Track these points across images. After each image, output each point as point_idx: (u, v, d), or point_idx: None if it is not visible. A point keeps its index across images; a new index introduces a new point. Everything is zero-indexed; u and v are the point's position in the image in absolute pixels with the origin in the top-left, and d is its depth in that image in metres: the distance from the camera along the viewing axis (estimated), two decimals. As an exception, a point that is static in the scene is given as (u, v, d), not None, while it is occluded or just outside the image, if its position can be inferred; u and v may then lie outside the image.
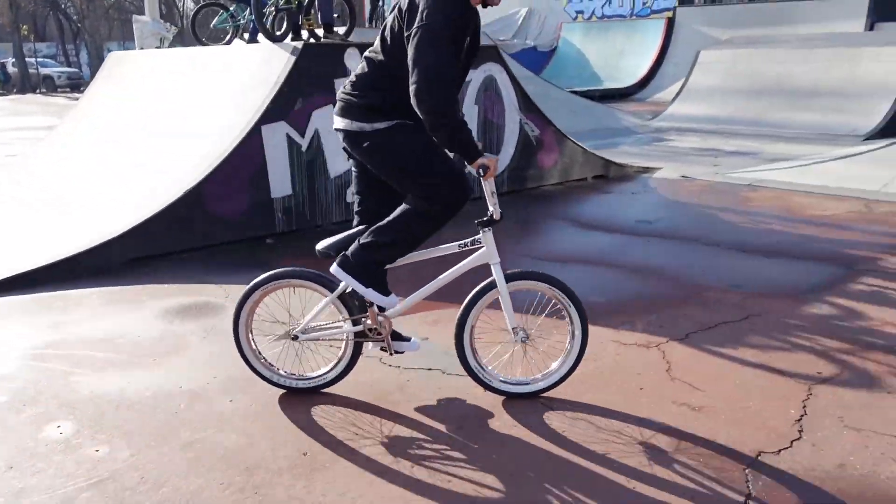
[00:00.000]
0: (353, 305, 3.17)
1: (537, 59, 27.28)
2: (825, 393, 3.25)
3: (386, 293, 3.13)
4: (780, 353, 3.71)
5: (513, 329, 3.11)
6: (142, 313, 4.42)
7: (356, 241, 3.06)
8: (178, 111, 6.79)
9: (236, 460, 2.77)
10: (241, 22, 8.65)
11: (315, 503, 2.51)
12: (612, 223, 6.67)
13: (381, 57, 2.99)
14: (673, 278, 5.00)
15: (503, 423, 3.04)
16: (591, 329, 3.25)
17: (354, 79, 3.06)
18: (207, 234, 5.77)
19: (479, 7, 2.97)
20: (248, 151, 5.92)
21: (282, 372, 3.32)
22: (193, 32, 9.02)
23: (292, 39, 7.15)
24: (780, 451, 2.78)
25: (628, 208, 7.30)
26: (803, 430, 2.93)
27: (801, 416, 3.04)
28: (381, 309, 3.15)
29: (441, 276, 3.11)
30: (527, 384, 3.22)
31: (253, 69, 6.41)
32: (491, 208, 2.96)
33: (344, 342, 3.23)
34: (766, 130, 13.42)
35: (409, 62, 2.79)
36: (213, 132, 6.15)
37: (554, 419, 3.07)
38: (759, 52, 15.54)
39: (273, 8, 7.30)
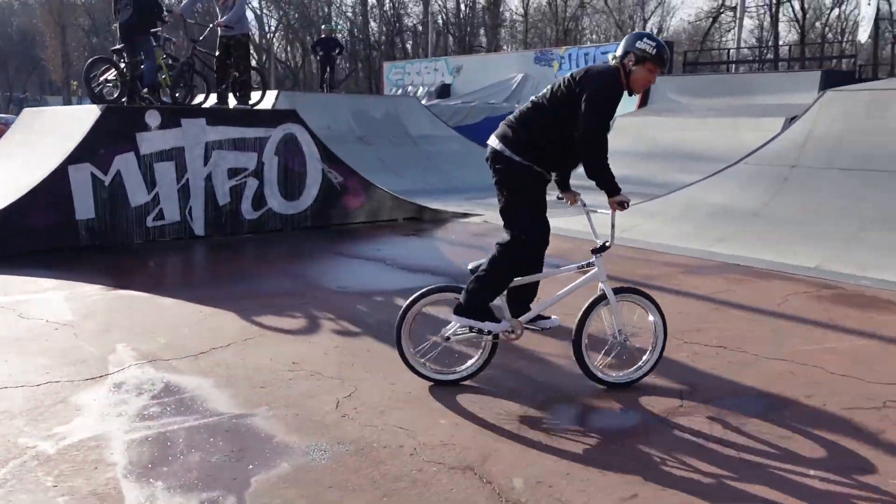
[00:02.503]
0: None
1: (526, 121, 29.05)
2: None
3: (498, 321, 3.96)
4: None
5: (618, 331, 3.99)
6: None
7: (465, 290, 3.93)
8: (24, 154, 8.81)
9: None
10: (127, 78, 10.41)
11: None
12: (363, 253, 8.27)
13: (546, 105, 3.85)
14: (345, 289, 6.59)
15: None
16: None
17: (518, 114, 3.95)
18: (21, 243, 7.57)
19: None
20: (57, 183, 7.80)
21: (429, 367, 4.13)
22: (88, 88, 10.70)
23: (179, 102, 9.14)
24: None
25: (391, 243, 8.88)
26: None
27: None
28: (505, 331, 4.01)
29: (562, 291, 4.03)
30: (625, 375, 4.10)
31: (74, 125, 8.36)
32: (608, 239, 3.89)
33: (483, 342, 4.10)
34: (648, 189, 14.72)
35: (581, 120, 3.70)
36: (37, 169, 8.10)
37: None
38: (662, 120, 16.93)
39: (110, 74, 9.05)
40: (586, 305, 3.97)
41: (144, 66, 8.93)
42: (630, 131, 17.20)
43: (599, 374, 4.07)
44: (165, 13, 8.99)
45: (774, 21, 48.21)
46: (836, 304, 6.12)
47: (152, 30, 8.89)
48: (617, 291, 3.96)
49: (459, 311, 3.95)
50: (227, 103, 9.52)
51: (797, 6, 46.42)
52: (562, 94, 3.82)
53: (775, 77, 24.86)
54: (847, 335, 5.30)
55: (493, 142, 3.96)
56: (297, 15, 52.88)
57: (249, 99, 9.50)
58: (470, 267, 4.01)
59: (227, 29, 9.00)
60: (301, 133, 9.38)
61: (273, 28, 58.50)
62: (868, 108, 9.25)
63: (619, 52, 3.84)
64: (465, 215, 10.98)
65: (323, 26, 20.35)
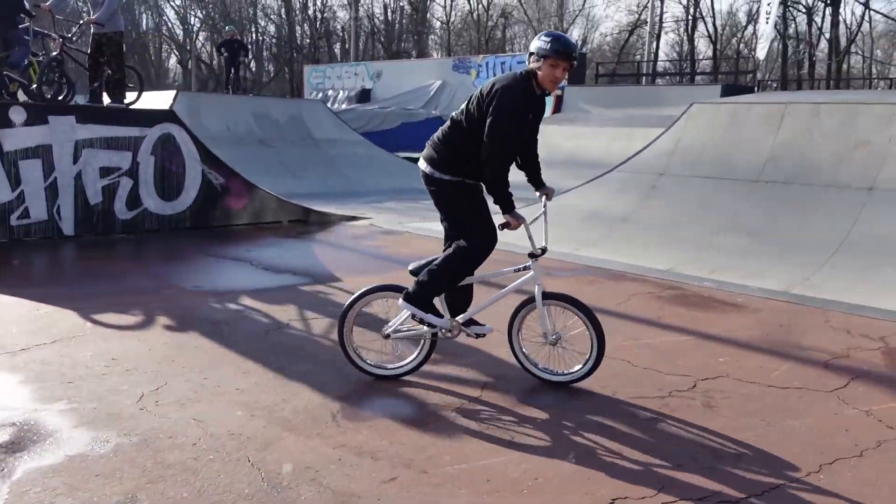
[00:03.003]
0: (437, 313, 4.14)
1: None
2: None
3: (440, 316, 4.09)
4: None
5: (543, 334, 4.13)
6: None
7: (416, 280, 4.05)
8: None
9: None
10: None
11: None
12: (232, 254, 8.28)
13: (464, 124, 3.93)
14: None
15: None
16: None
17: (441, 134, 4.03)
18: None
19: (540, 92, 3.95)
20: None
21: (374, 366, 4.30)
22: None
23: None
24: None
25: (265, 244, 8.91)
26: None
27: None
28: (444, 328, 4.14)
29: (499, 293, 4.22)
30: (556, 374, 4.25)
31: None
32: (545, 244, 4.05)
33: (423, 340, 4.23)
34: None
35: (485, 137, 3.80)
36: None
37: None
38: (563, 128, 17.39)
39: None
40: (517, 305, 4.21)
41: (16, 53, 8.75)
42: (532, 139, 17.58)
43: (533, 370, 4.28)
44: (31, 6, 8.83)
45: (690, 37, 49.95)
46: (671, 304, 6.47)
47: (21, 25, 8.71)
48: (546, 296, 4.07)
49: (408, 298, 4.06)
50: (100, 101, 9.39)
51: (710, 24, 48.13)
52: (474, 110, 3.90)
53: (682, 90, 25.73)
54: (667, 332, 5.62)
55: (422, 165, 4.08)
56: (215, 16, 52.05)
57: (124, 97, 9.40)
58: (410, 268, 4.16)
59: (99, 26, 8.88)
60: (179, 133, 9.32)
61: (196, 28, 57.53)
62: (728, 120, 9.75)
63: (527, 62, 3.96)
64: (354, 218, 11.09)
65: (226, 28, 20.11)
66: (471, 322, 4.24)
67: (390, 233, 10.00)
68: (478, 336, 4.26)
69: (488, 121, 3.80)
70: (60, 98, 9.31)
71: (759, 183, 9.00)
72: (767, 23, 24.91)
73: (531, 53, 3.90)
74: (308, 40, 53.80)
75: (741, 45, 52.33)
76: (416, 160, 16.39)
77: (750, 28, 48.13)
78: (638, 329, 5.69)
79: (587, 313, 4.08)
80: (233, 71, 17.36)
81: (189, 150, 9.43)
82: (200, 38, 57.70)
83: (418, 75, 32.42)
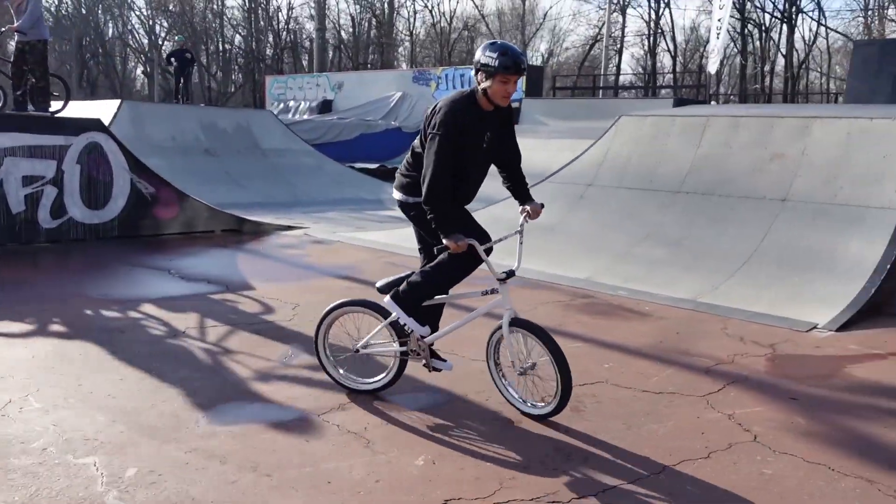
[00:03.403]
0: (402, 331, 4.03)
1: (401, 138, 29.35)
2: None
3: (423, 324, 3.98)
4: None
5: (511, 363, 3.87)
6: None
7: (406, 281, 3.96)
8: None
9: None
10: None
11: None
12: (153, 263, 8.25)
13: (420, 149, 3.83)
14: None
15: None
16: None
17: (406, 162, 3.97)
18: None
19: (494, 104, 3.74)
20: None
21: (341, 373, 4.27)
22: None
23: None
24: None
25: (189, 254, 8.90)
26: None
27: None
28: (422, 336, 4.00)
29: (468, 316, 4.04)
30: (527, 405, 4.02)
31: None
32: (515, 265, 3.82)
33: (393, 358, 4.13)
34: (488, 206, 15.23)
35: (423, 157, 3.72)
36: None
37: None
38: (512, 140, 17.56)
39: None
40: (490, 332, 4.05)
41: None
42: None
43: (512, 401, 4.08)
44: None
45: (652, 51, 50.74)
46: (578, 312, 6.58)
47: None
48: (512, 323, 3.85)
49: (395, 297, 3.97)
50: (24, 109, 9.33)
51: (669, 39, 49.00)
52: (424, 133, 3.82)
53: (636, 102, 26.19)
54: (563, 339, 5.64)
55: (396, 195, 4.05)
56: (180, 25, 51.78)
57: (48, 106, 9.34)
58: (378, 285, 4.05)
59: (21, 34, 8.84)
60: (107, 142, 9.29)
61: (162, 37, 57.17)
62: (653, 132, 9.94)
63: (473, 72, 3.73)
64: (289, 228, 11.10)
65: (176, 37, 20.06)
66: (433, 353, 4.12)
67: (321, 242, 10.03)
68: (432, 370, 4.10)
69: (427, 144, 3.71)
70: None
71: (681, 194, 9.18)
72: (718, 38, 25.37)
73: (478, 69, 3.67)
74: (273, 51, 53.69)
75: (703, 60, 53.36)
76: (372, 171, 16.87)
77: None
78: (535, 336, 5.77)
79: (550, 345, 3.76)
80: (181, 80, 17.30)
81: (117, 160, 9.40)
82: (166, 47, 57.42)
83: (379, 87, 32.55)
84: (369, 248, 9.65)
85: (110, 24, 56.11)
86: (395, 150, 27.43)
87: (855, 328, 6.22)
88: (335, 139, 26.10)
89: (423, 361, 4.06)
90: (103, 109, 15.11)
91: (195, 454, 3.42)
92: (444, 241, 3.65)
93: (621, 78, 47.96)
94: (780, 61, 46.37)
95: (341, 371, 4.29)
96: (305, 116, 31.15)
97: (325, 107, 33.07)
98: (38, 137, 8.76)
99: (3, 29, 9.23)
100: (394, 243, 9.89)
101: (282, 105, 34.37)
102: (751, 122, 9.19)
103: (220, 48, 54.74)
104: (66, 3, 51.54)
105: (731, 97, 47.98)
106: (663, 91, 43.28)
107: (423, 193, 3.70)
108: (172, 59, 17.61)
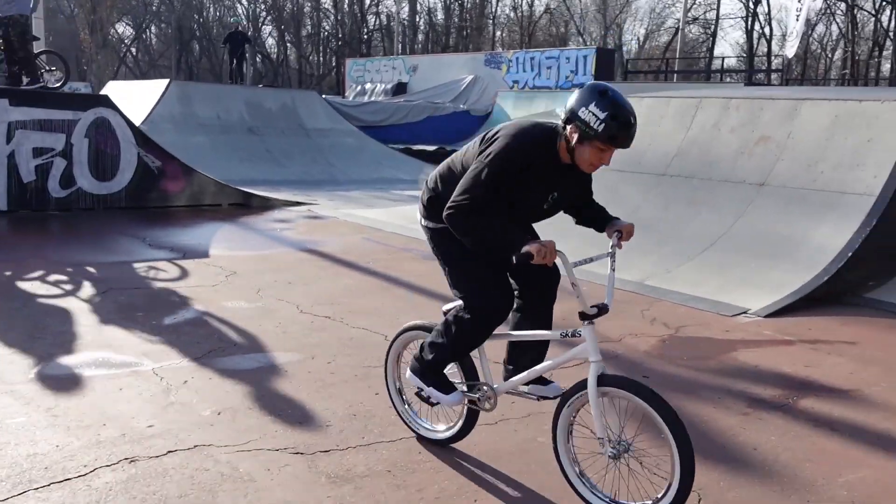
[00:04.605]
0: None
1: (470, 121, 29.46)
2: None
3: (447, 391, 3.13)
4: None
5: (599, 439, 2.71)
6: None
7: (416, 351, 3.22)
8: None
9: None
10: None
11: None
12: (138, 233, 8.78)
13: (459, 168, 3.00)
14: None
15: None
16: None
17: (434, 177, 3.15)
18: None
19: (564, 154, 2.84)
20: None
21: (411, 415, 3.50)
22: None
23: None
24: None
25: (187, 224, 9.38)
26: None
27: None
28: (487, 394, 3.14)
29: (539, 366, 3.02)
30: None
31: None
32: (580, 303, 2.75)
33: (461, 405, 3.24)
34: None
35: (459, 188, 2.84)
36: None
37: None
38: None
39: None
40: (563, 393, 2.93)
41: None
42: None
43: (585, 495, 2.87)
44: None
45: (749, 35, 48.70)
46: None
47: None
48: (603, 381, 2.72)
49: (413, 371, 3.22)
50: (19, 83, 9.92)
51: (765, 22, 46.86)
52: (473, 151, 2.98)
53: (704, 86, 25.30)
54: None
55: (417, 215, 3.27)
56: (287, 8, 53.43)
57: (37, 76, 9.93)
58: (445, 309, 3.15)
59: (2, 9, 9.45)
60: (114, 117, 9.88)
61: (262, 20, 59.15)
62: (648, 113, 9.66)
63: (563, 113, 2.79)
64: (297, 203, 11.46)
65: (231, 19, 20.80)
66: (538, 379, 3.13)
67: (318, 218, 10.34)
68: (540, 398, 3.14)
69: (472, 166, 2.88)
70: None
71: (665, 177, 8.96)
72: (798, 20, 24.15)
73: (569, 119, 2.75)
74: (361, 34, 54.69)
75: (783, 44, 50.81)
76: (431, 153, 17.19)
77: (821, 27, 46.80)
78: (435, 304, 5.85)
79: (666, 414, 2.57)
80: (234, 62, 18.02)
81: (124, 134, 9.98)
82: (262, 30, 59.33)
83: (453, 70, 32.74)
84: (360, 224, 9.88)
85: (211, 7, 58.47)
86: (462, 133, 27.56)
87: (791, 315, 6.01)
88: (401, 121, 26.48)
89: (489, 407, 3.16)
90: (153, 88, 15.98)
91: (51, 459, 3.65)
92: (525, 249, 2.62)
93: (715, 63, 46.28)
94: (889, 46, 43.58)
95: (406, 407, 3.53)
96: (382, 98, 31.75)
97: (400, 89, 33.56)
98: (48, 112, 9.42)
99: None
100: (385, 220, 10.10)
101: (359, 87, 35.10)
102: (741, 104, 8.84)
103: (312, 31, 56.13)
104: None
105: (830, 80, 45.36)
106: (757, 76, 41.61)
107: (451, 223, 2.85)
108: (227, 43, 18.35)
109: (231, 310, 5.49)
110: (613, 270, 2.90)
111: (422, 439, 3.43)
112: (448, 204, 2.84)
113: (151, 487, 2.95)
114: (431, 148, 22.89)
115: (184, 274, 6.61)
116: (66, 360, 4.32)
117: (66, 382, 3.99)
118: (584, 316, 2.76)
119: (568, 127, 2.76)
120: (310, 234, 8.92)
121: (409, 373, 3.22)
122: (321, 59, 58.42)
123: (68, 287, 6.00)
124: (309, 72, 57.09)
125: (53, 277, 6.31)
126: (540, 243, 2.63)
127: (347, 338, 4.97)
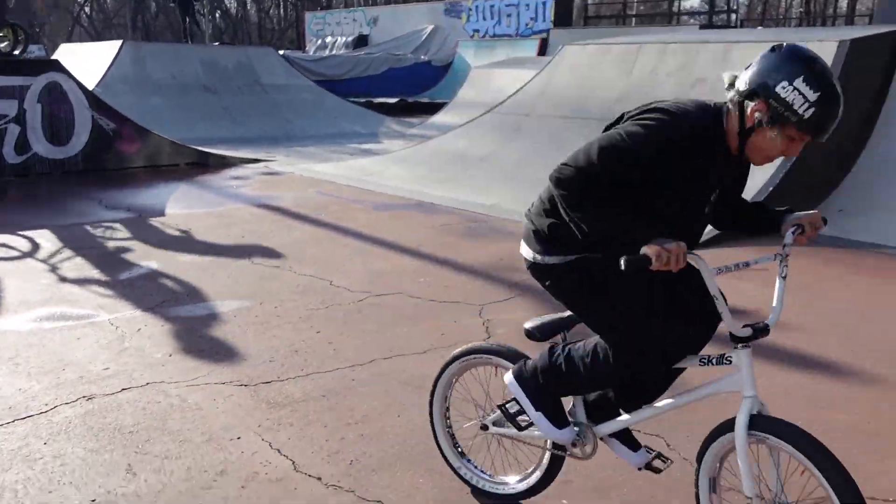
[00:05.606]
0: (558, 408, 2.45)
1: (432, 72, 29.41)
2: None
3: (561, 424, 2.42)
4: None
5: (748, 499, 2.08)
6: None
7: (541, 353, 2.44)
8: None
9: None
10: None
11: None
12: (91, 194, 8.96)
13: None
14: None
15: None
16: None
17: (542, 195, 2.37)
18: None
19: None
20: None
21: (471, 465, 2.76)
22: None
23: None
24: None
25: (144, 185, 9.58)
26: None
27: None
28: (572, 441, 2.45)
29: (677, 399, 2.30)
30: None
31: None
32: (725, 322, 2.13)
33: (542, 449, 2.58)
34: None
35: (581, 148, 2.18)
36: None
37: None
38: (511, 71, 17.52)
39: None
40: (709, 434, 2.20)
41: None
42: (478, 82, 17.82)
43: None
44: None
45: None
46: (447, 234, 6.91)
47: None
48: (754, 425, 2.06)
49: (518, 378, 2.46)
50: None
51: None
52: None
53: (661, 29, 25.45)
54: (415, 258, 6.10)
55: (523, 250, 2.41)
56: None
57: None
58: (527, 327, 2.46)
59: None
60: (66, 81, 9.96)
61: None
62: (591, 61, 9.98)
63: (741, 83, 2.06)
64: (255, 161, 11.66)
65: (179, -25, 20.56)
66: (625, 438, 2.45)
67: (274, 174, 10.57)
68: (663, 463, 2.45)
69: (599, 135, 2.22)
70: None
71: (606, 122, 9.28)
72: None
73: (755, 93, 2.02)
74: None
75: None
76: (391, 105, 17.26)
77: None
78: (388, 253, 6.20)
79: (828, 469, 1.93)
80: (187, 20, 17.88)
81: (77, 98, 10.07)
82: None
83: (413, 20, 32.59)
84: (314, 178, 10.12)
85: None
86: (423, 85, 27.65)
87: (717, 247, 6.38)
88: (362, 74, 26.47)
89: (587, 454, 2.47)
90: (106, 50, 15.89)
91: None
92: (642, 250, 1.97)
93: (685, 4, 46.18)
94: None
95: (462, 460, 2.78)
96: (343, 51, 31.56)
97: (361, 41, 33.32)
98: (-1, 78, 9.49)
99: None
100: (338, 174, 10.36)
101: (319, 41, 34.77)
102: (677, 49, 9.16)
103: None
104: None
105: (791, 20, 45.61)
106: (720, 17, 41.72)
107: (561, 198, 2.13)
108: (174, 1, 18.17)
109: (185, 264, 5.79)
110: (784, 278, 2.17)
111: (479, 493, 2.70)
112: (565, 163, 2.15)
113: (108, 419, 3.29)
114: (393, 100, 23.00)
115: (139, 232, 6.86)
116: (26, 316, 4.61)
117: (26, 335, 4.29)
118: (735, 339, 2.14)
119: (750, 104, 2.03)
120: (265, 190, 9.17)
121: (509, 376, 2.48)
122: (282, 13, 57.47)
123: (26, 249, 6.25)
124: (269, 26, 56.17)
125: (10, 241, 6.53)
126: (661, 244, 1.95)
127: (295, 285, 5.29)
